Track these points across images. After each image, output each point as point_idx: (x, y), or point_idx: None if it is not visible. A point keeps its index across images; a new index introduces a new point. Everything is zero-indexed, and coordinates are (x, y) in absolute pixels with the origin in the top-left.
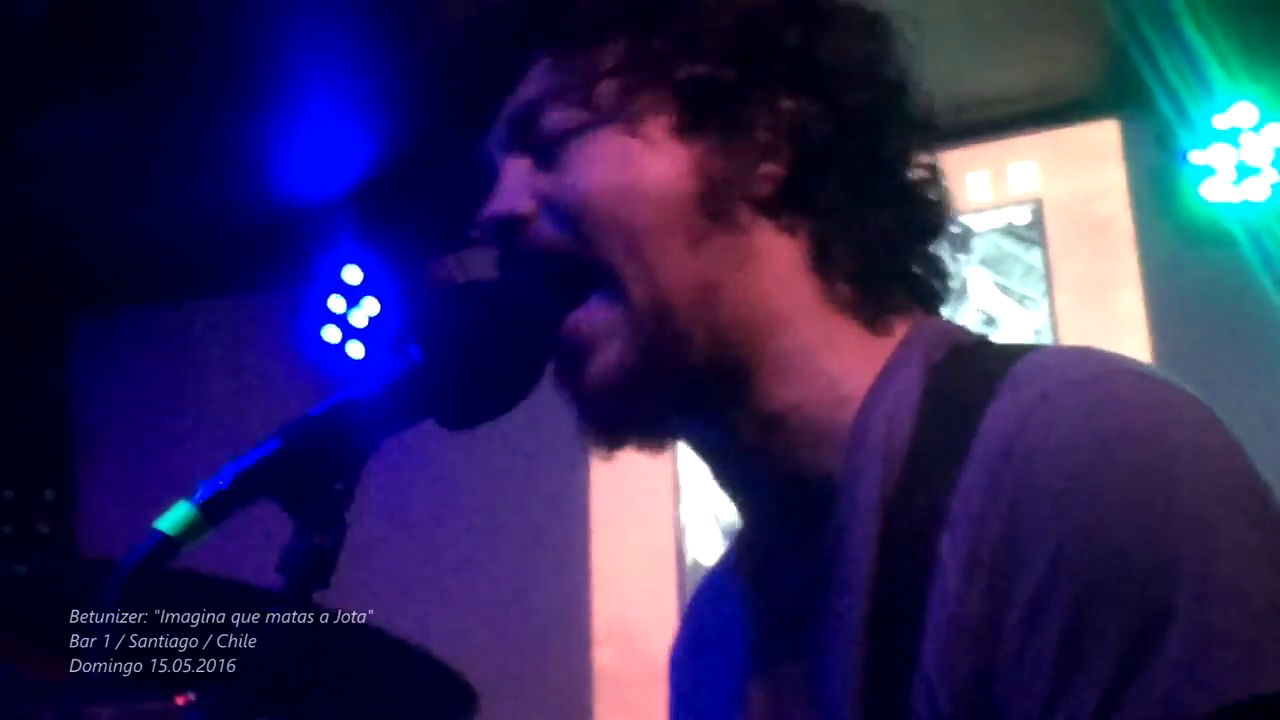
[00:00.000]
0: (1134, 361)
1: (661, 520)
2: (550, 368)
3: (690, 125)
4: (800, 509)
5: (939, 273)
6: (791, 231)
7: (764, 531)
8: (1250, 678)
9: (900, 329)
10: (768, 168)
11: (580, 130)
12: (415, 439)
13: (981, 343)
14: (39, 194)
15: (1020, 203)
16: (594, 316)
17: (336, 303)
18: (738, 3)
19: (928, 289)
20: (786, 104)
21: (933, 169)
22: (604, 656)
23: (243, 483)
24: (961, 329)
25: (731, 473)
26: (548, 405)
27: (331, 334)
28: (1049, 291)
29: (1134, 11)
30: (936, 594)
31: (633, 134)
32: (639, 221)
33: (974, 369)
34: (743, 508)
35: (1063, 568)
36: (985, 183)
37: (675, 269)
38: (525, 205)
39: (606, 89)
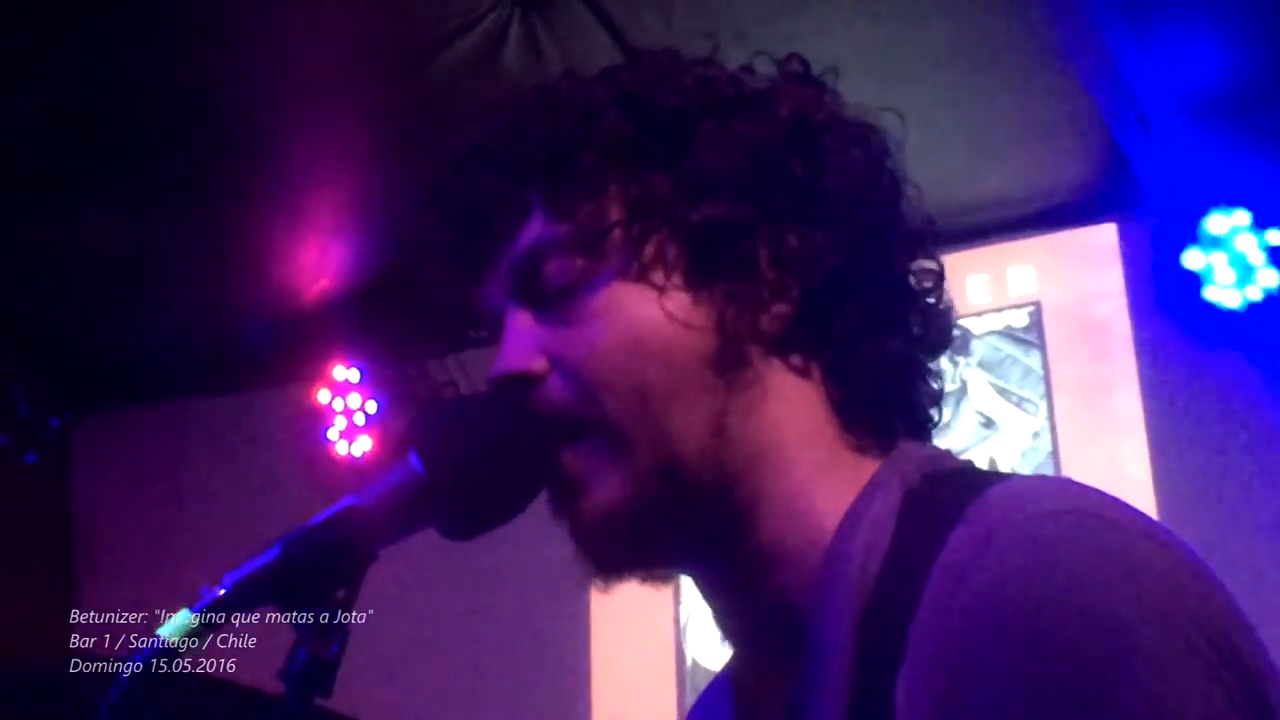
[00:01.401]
0: (1095, 498)
1: (661, 620)
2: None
3: (698, 269)
4: (783, 636)
5: (936, 396)
6: (803, 367)
7: (751, 655)
8: None
9: (885, 454)
10: (778, 307)
11: (585, 282)
12: (415, 541)
13: (956, 470)
14: (38, 292)
15: (1019, 305)
16: (588, 458)
17: (336, 401)
18: (740, 138)
19: (925, 415)
20: (792, 237)
21: (935, 276)
22: None
23: (244, 590)
24: (942, 454)
25: (720, 599)
26: (545, 508)
27: (331, 432)
28: (1047, 394)
29: (1128, 117)
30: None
31: (640, 282)
32: (649, 380)
33: (943, 500)
34: (729, 632)
35: (1007, 713)
36: (984, 286)
37: (684, 423)
38: (536, 364)
39: (614, 238)
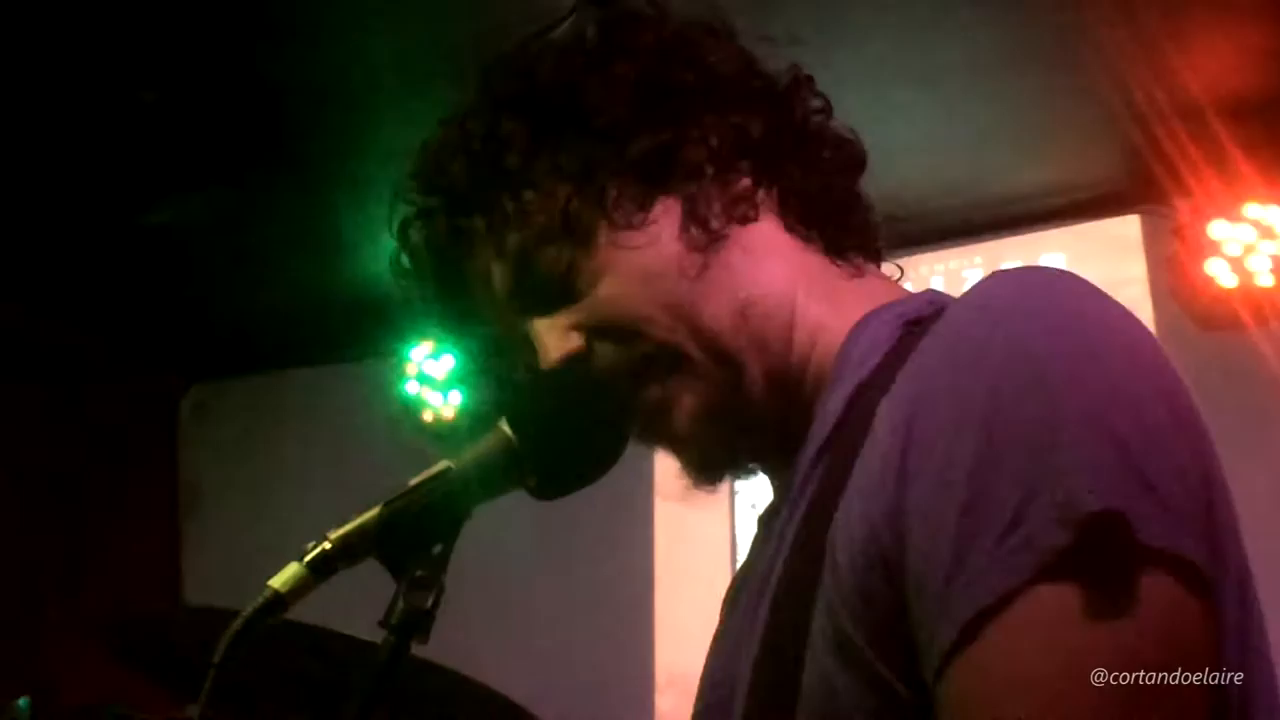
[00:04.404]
0: (1061, 274)
1: (718, 577)
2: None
3: (655, 196)
4: (798, 438)
5: (868, 210)
6: (779, 228)
7: (777, 474)
8: (1113, 496)
9: (870, 272)
10: (736, 188)
11: (573, 259)
12: (499, 505)
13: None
14: (153, 270)
15: None
16: (662, 384)
17: (419, 374)
18: (621, 77)
19: (869, 228)
20: (713, 135)
21: (824, 111)
22: (665, 702)
23: (348, 545)
24: (947, 297)
25: (773, 440)
26: (616, 472)
27: (414, 402)
28: None
29: (1151, 118)
30: (869, 446)
31: (619, 231)
32: (673, 296)
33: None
34: (776, 473)
35: (963, 439)
36: None
37: (713, 316)
38: (573, 343)
39: (573, 211)
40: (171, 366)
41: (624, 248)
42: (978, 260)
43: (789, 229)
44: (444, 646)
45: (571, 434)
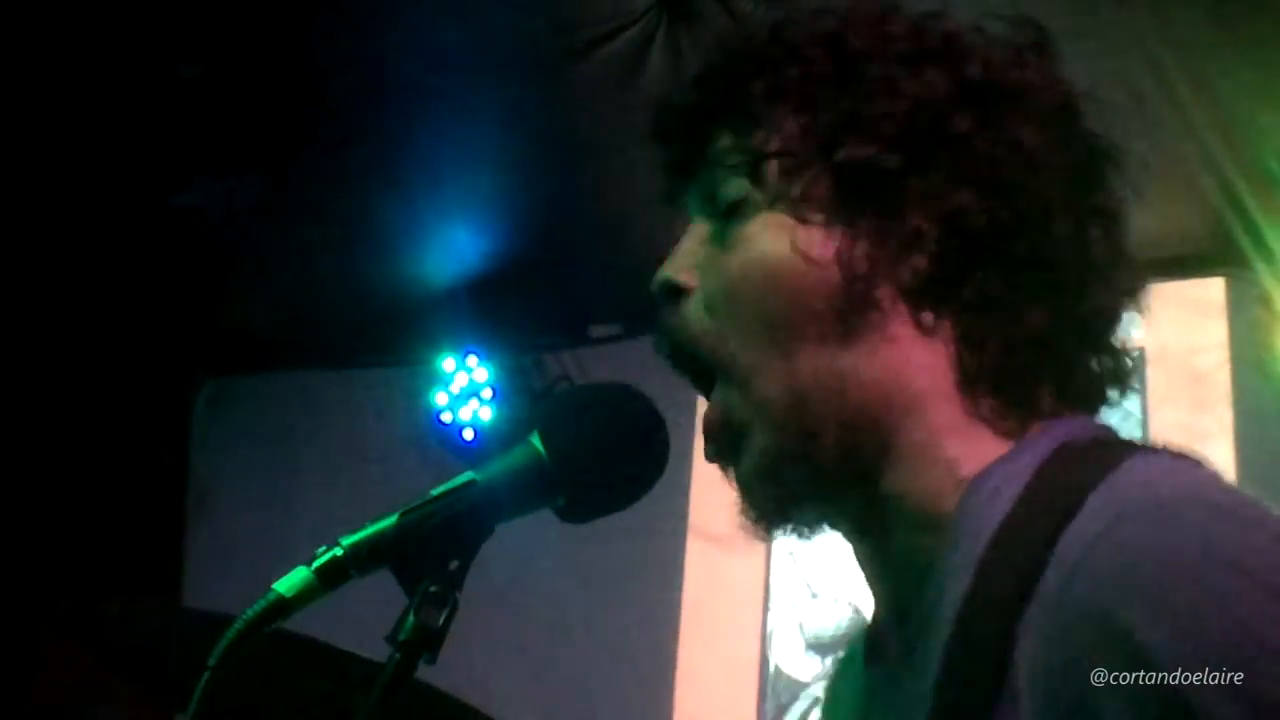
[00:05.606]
0: (1221, 487)
1: (749, 627)
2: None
3: (844, 208)
4: (908, 587)
5: (1109, 374)
6: (933, 323)
7: (880, 607)
8: None
9: (1036, 428)
10: (917, 257)
11: (745, 205)
12: (518, 530)
13: (1094, 442)
14: (178, 254)
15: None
16: (730, 410)
17: (451, 384)
18: (909, 87)
19: (1085, 390)
20: (945, 192)
21: (1115, 253)
22: None
23: (360, 553)
24: (1090, 425)
25: (857, 548)
26: (649, 504)
27: (444, 414)
28: (1145, 438)
29: (1233, 178)
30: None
31: (790, 213)
32: (776, 314)
33: (1075, 471)
34: (869, 582)
35: (1127, 703)
36: None
37: (809, 359)
38: (686, 278)
39: (772, 167)
40: (189, 358)
41: (773, 233)
42: None
43: (949, 362)
44: (450, 671)
45: (605, 455)
